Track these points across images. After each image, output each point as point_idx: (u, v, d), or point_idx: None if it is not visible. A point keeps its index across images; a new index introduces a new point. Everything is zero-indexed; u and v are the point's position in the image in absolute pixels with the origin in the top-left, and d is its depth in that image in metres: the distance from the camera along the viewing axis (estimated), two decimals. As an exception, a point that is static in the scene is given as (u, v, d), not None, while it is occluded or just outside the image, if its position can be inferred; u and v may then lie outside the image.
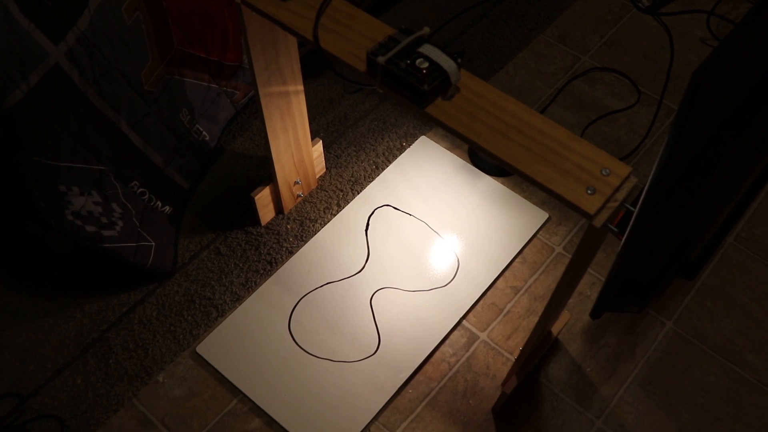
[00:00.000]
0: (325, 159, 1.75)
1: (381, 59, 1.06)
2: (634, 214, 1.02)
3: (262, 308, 1.56)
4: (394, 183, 1.75)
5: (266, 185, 1.61)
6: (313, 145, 1.65)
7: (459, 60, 1.07)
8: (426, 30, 1.11)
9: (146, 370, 1.48)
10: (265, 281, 1.59)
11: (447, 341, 1.53)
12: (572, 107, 1.90)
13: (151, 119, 1.50)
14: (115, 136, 1.44)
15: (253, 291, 1.58)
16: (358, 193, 1.73)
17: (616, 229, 1.02)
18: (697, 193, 1.34)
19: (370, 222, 1.68)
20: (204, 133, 1.64)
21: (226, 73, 1.65)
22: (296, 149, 1.58)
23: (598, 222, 0.98)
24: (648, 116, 1.88)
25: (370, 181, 1.75)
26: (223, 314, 1.55)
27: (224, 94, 1.68)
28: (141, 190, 1.53)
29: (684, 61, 1.99)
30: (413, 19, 2.06)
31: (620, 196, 1.00)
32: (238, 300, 1.57)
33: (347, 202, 1.71)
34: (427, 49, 1.07)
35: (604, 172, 1.01)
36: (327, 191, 1.73)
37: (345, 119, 1.86)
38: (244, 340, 1.52)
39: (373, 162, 1.78)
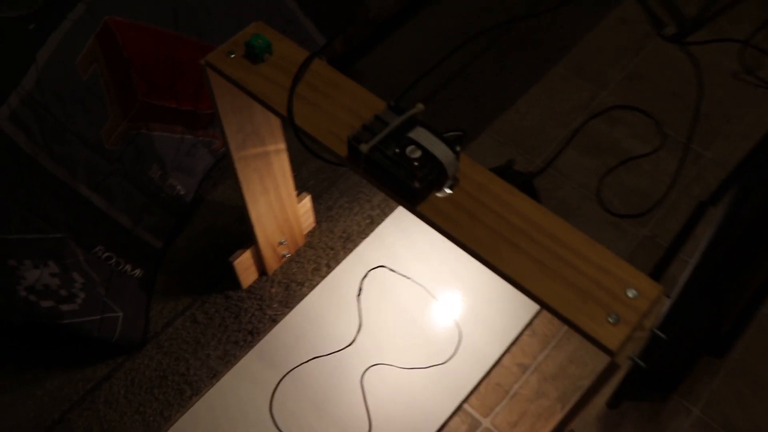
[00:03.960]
0: (314, 212, 1.58)
1: (364, 147, 0.89)
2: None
3: (242, 386, 1.40)
4: (390, 240, 1.58)
5: (247, 248, 1.44)
6: (299, 201, 1.49)
7: (458, 148, 0.90)
8: (419, 108, 0.93)
9: (110, 459, 1.33)
10: (245, 354, 1.43)
11: (445, 428, 1.37)
12: (589, 151, 1.72)
13: (115, 179, 1.33)
14: (72, 200, 1.27)
15: (232, 365, 1.42)
16: (351, 252, 1.56)
17: (642, 363, 0.85)
18: (737, 283, 1.17)
19: (362, 286, 1.52)
20: (178, 187, 1.48)
21: (201, 122, 1.48)
22: (279, 209, 1.42)
23: (622, 358, 0.81)
24: (673, 162, 1.70)
25: (364, 238, 1.58)
26: (198, 392, 1.40)
27: (201, 144, 1.51)
28: (107, 254, 1.37)
29: (713, 98, 1.80)
30: (414, 49, 1.88)
31: (648, 323, 0.83)
32: (215, 376, 1.42)
33: (338, 262, 1.55)
34: (420, 134, 0.90)
35: (630, 294, 0.84)
36: (316, 249, 1.57)
37: (337, 166, 1.69)
38: (221, 424, 1.36)
39: (368, 215, 1.61)
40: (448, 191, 0.92)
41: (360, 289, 1.52)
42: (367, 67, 1.85)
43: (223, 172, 1.66)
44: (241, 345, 1.45)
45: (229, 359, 1.43)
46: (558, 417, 1.37)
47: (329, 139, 0.96)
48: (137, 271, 1.45)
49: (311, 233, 1.58)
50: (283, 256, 1.53)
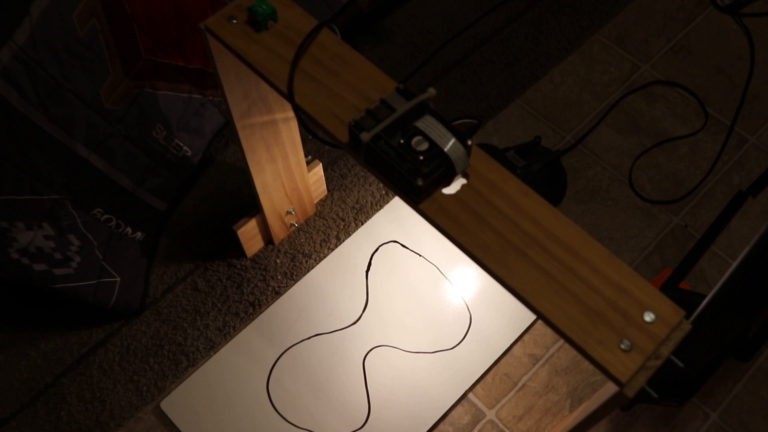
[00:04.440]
0: (326, 180, 1.50)
1: (365, 136, 0.81)
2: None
3: (240, 360, 1.35)
4: (404, 213, 1.50)
5: (252, 216, 1.38)
6: (310, 170, 1.41)
7: (470, 142, 0.81)
8: (431, 93, 0.84)
9: (102, 427, 1.30)
10: (245, 327, 1.38)
11: (448, 417, 1.31)
12: (624, 129, 1.61)
13: (116, 140, 1.27)
14: (69, 161, 1.21)
15: (231, 338, 1.37)
16: (362, 224, 1.49)
17: (655, 396, 0.77)
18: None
19: (372, 261, 1.45)
20: (185, 148, 1.41)
21: (211, 80, 1.40)
22: (288, 178, 1.34)
23: (632, 390, 0.73)
24: (714, 146, 1.58)
25: (377, 210, 1.50)
26: (194, 364, 1.35)
27: (210, 104, 1.43)
28: (106, 216, 1.32)
29: (764, 78, 1.67)
30: (447, 7, 1.76)
31: (665, 351, 0.75)
32: (213, 348, 1.37)
33: (348, 235, 1.48)
34: (428, 124, 0.81)
35: (647, 317, 0.76)
36: (326, 219, 1.49)
37: (337, 149, 1.60)
38: (215, 398, 1.32)
39: (383, 186, 1.53)
40: (456, 189, 0.83)
41: (369, 265, 1.45)
42: (395, 25, 1.74)
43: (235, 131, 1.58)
44: (242, 317, 1.39)
45: (228, 331, 1.38)
46: (566, 414, 1.30)
47: (330, 121, 0.87)
48: (138, 234, 1.39)
49: (322, 202, 1.51)
50: (291, 225, 1.46)
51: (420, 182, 0.79)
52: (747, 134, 1.60)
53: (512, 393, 1.33)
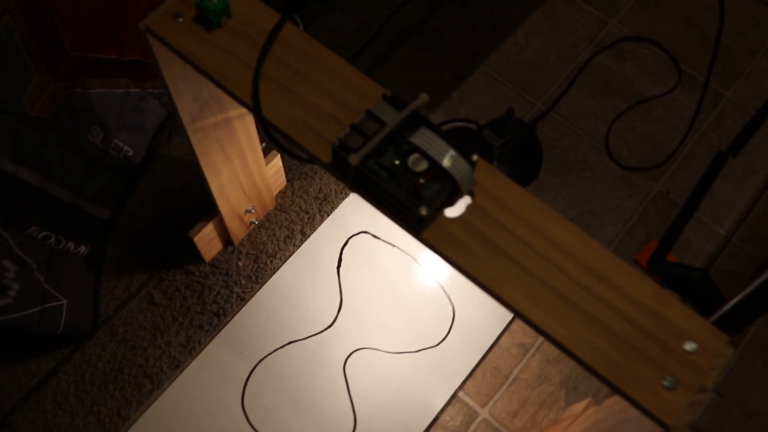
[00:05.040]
0: (284, 168, 1.38)
1: (354, 159, 0.69)
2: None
3: (209, 378, 1.24)
4: (373, 201, 1.39)
5: (208, 220, 1.24)
6: (268, 162, 1.28)
7: (474, 158, 0.70)
8: (423, 99, 0.73)
9: (62, 466, 1.18)
10: (211, 340, 1.27)
11: (439, 421, 1.23)
12: (597, 92, 1.52)
13: (48, 148, 1.11)
14: (-6, 180, 1.06)
15: (197, 354, 1.26)
16: (328, 215, 1.37)
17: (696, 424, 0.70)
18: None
19: (342, 256, 1.34)
20: (125, 148, 1.26)
21: (150, 71, 1.24)
22: (245, 177, 1.21)
23: (680, 430, 0.65)
24: (690, 105, 1.51)
25: (343, 198, 1.39)
26: (159, 386, 1.24)
27: (150, 97, 1.28)
28: (44, 234, 1.17)
29: (736, 30, 1.59)
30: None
31: (710, 383, 0.67)
32: (178, 366, 1.25)
33: (314, 228, 1.36)
34: (426, 139, 0.70)
35: (688, 347, 0.67)
36: (288, 213, 1.37)
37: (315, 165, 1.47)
38: (187, 422, 1.21)
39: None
40: (461, 210, 0.72)
41: (340, 260, 1.34)
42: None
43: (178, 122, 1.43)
44: (206, 329, 1.28)
45: (192, 347, 1.26)
46: (562, 405, 1.24)
47: (307, 137, 0.75)
48: (82, 248, 1.25)
49: (282, 194, 1.38)
50: (251, 223, 1.34)
51: (424, 211, 0.68)
52: (722, 89, 1.53)
53: (504, 387, 1.26)
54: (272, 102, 0.77)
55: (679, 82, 1.53)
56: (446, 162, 0.69)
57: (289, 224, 1.36)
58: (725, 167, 1.44)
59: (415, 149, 0.70)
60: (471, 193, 0.73)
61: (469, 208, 0.72)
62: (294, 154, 0.79)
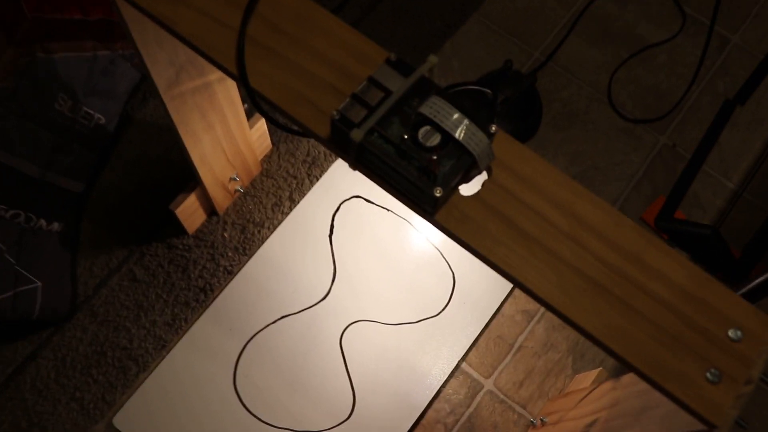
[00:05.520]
0: (269, 132, 1.28)
1: (357, 134, 0.61)
2: None
3: (197, 358, 1.17)
4: (365, 163, 1.30)
5: (190, 191, 1.16)
6: (252, 125, 1.19)
7: (493, 128, 0.62)
8: (432, 61, 0.64)
9: (46, 457, 1.11)
10: (198, 318, 1.19)
11: (442, 394, 1.18)
12: (597, 39, 1.43)
13: (10, 122, 1.02)
14: (-47, 157, 0.96)
15: (184, 332, 1.18)
16: (317, 180, 1.29)
17: (744, 425, 0.64)
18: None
19: (334, 223, 1.26)
20: (97, 116, 1.16)
21: (118, 31, 1.14)
22: (229, 143, 1.12)
23: (725, 429, 0.60)
24: (695, 50, 1.43)
25: (333, 161, 1.30)
26: (145, 369, 1.17)
27: (121, 59, 1.18)
28: (12, 212, 1.08)
29: (741, -33, 1.51)
30: None
31: (755, 373, 0.61)
32: (164, 347, 1.18)
33: (303, 194, 1.28)
34: (438, 109, 0.62)
35: (732, 335, 0.61)
36: (275, 179, 1.29)
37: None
38: (176, 405, 1.14)
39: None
40: (477, 188, 0.65)
41: (332, 227, 1.26)
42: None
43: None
44: (193, 306, 1.20)
45: (179, 325, 1.19)
46: (569, 373, 1.19)
47: (302, 110, 0.66)
48: (55, 225, 1.16)
49: (268, 158, 1.30)
50: (236, 191, 1.25)
51: (438, 192, 0.60)
52: (728, 33, 1.45)
53: (509, 357, 1.20)
54: (260, 69, 0.68)
55: (683, 27, 1.44)
56: (461, 135, 0.61)
57: (276, 191, 1.28)
58: (733, 117, 1.37)
59: (426, 121, 0.62)
60: (488, 169, 0.65)
61: (486, 185, 0.65)
62: (287, 128, 0.71)
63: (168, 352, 1.17)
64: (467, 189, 0.64)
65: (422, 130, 0.62)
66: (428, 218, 0.64)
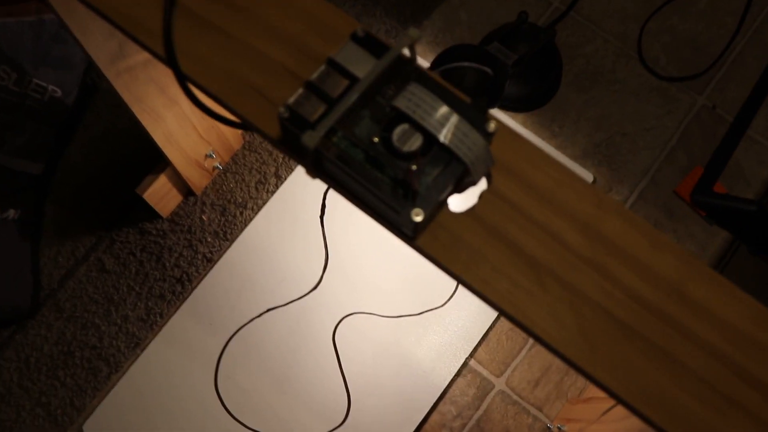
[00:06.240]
0: (253, 100, 1.14)
1: (310, 139, 0.46)
2: None
3: (175, 357, 1.05)
4: (360, 134, 1.16)
5: (158, 172, 1.02)
6: (229, 95, 1.04)
7: (491, 127, 0.48)
8: (412, 36, 0.49)
9: (11, 469, 1.01)
10: (175, 312, 1.07)
11: (448, 395, 1.05)
12: (625, -16, 1.25)
13: (-59, 100, 0.88)
14: None
15: (159, 328, 1.06)
16: (308, 154, 1.14)
17: None
18: None
19: (326, 202, 1.12)
20: (50, 88, 1.02)
21: (67, -10, 0.98)
22: (199, 117, 0.98)
23: None
24: (739, -5, 1.24)
25: (325, 132, 1.15)
26: (117, 369, 1.05)
27: (73, 22, 1.02)
28: (-44, 201, 0.95)
29: None
30: None
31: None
32: (138, 345, 1.06)
33: (291, 170, 1.14)
34: (418, 101, 0.47)
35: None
36: (259, 152, 1.14)
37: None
38: (151, 410, 1.03)
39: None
40: (472, 201, 0.50)
41: (323, 207, 1.12)
42: None
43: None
44: (169, 299, 1.08)
45: (154, 320, 1.07)
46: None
47: (248, 103, 0.52)
48: (11, 213, 1.03)
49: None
50: (215, 168, 1.11)
51: (418, 216, 0.46)
52: (778, -26, 1.26)
53: (523, 353, 1.07)
54: (196, 49, 0.53)
55: (725, -33, 1.26)
56: (449, 136, 0.46)
57: (260, 166, 1.14)
58: (782, 72, 1.19)
59: (403, 117, 0.47)
60: (487, 176, 0.51)
61: (483, 197, 0.50)
62: (230, 122, 0.56)
63: (142, 351, 1.05)
64: (459, 203, 0.50)
65: (398, 130, 0.47)
66: (409, 243, 0.50)
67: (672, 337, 0.47)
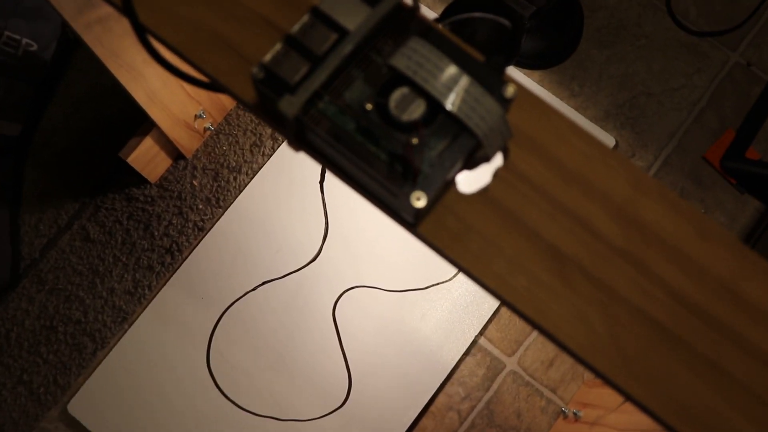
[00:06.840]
0: (247, 55, 1.05)
1: (289, 105, 0.38)
2: None
3: (164, 332, 0.99)
4: (363, 93, 1.07)
5: (143, 134, 0.94)
6: (220, 50, 0.95)
7: (510, 92, 0.39)
8: (412, -16, 0.40)
9: (-8, 449, 0.96)
10: (165, 284, 1.00)
11: (456, 375, 0.99)
12: (654, -72, 1.15)
13: None
14: None
15: (148, 302, 1.00)
16: (306, 114, 1.06)
17: None
18: None
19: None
20: (25, 41, 0.94)
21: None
22: (186, 75, 0.89)
23: None
24: (779, -59, 1.13)
25: (325, 91, 1.07)
26: (103, 345, 0.99)
27: (48, -32, 0.94)
28: (-76, 165, 0.88)
29: None
30: None
31: None
32: (125, 320, 1.00)
33: (289, 132, 1.06)
34: (418, 60, 0.39)
35: None
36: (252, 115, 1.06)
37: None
38: (139, 389, 0.97)
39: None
40: (485, 181, 0.42)
41: (323, 172, 1.04)
42: None
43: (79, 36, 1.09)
44: (158, 271, 1.01)
45: (142, 293, 1.00)
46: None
47: (215, 58, 0.44)
48: (-15, 177, 0.96)
49: (246, 88, 1.07)
50: (206, 129, 1.03)
51: (420, 200, 0.38)
52: None
53: (535, 331, 0.99)
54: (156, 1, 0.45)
55: None
56: (457, 103, 0.38)
57: (255, 127, 1.06)
58: (824, 26, 1.09)
59: (403, 79, 0.39)
60: (504, 150, 0.42)
61: (498, 176, 0.42)
62: (198, 81, 0.48)
63: (129, 326, 0.99)
64: (469, 183, 0.42)
65: (396, 95, 0.39)
66: (409, 230, 0.42)
67: (722, 346, 0.40)
